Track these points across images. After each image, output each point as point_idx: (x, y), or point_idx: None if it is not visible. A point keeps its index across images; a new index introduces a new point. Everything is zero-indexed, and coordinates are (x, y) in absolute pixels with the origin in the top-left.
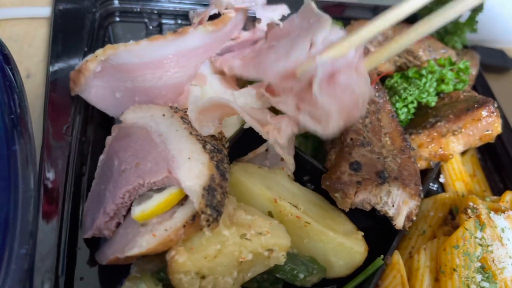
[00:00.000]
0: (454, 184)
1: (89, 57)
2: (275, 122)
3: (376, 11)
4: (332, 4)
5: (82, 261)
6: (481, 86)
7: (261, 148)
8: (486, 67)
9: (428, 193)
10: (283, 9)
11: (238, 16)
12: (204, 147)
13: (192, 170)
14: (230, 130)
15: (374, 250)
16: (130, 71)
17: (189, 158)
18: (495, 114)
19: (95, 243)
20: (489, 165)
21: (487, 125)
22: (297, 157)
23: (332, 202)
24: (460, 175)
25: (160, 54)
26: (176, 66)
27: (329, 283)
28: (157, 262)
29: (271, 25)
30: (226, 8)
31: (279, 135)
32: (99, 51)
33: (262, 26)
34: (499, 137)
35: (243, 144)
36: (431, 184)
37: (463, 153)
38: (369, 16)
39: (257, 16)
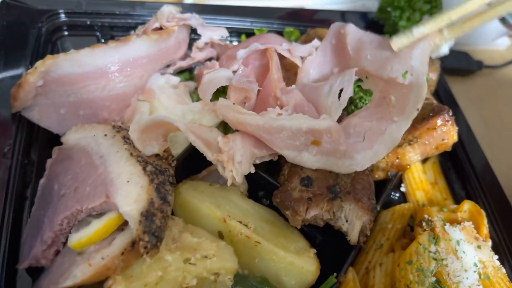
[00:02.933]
0: (414, 193)
1: (30, 70)
2: (227, 149)
3: (344, 16)
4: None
5: None
6: (443, 91)
7: (215, 166)
8: (450, 70)
9: (389, 203)
10: (223, 31)
11: (182, 31)
12: (144, 168)
13: (130, 194)
14: (180, 146)
15: (330, 266)
16: (73, 82)
17: (128, 181)
18: (450, 122)
19: (38, 272)
20: (451, 172)
21: (442, 134)
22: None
23: (286, 218)
24: (420, 184)
25: (103, 62)
26: (120, 75)
27: None
28: None
29: (224, 46)
30: (168, 21)
31: (235, 172)
32: (39, 63)
33: (200, 43)
34: (461, 143)
35: (197, 161)
36: (392, 193)
37: (424, 161)
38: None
39: (198, 32)
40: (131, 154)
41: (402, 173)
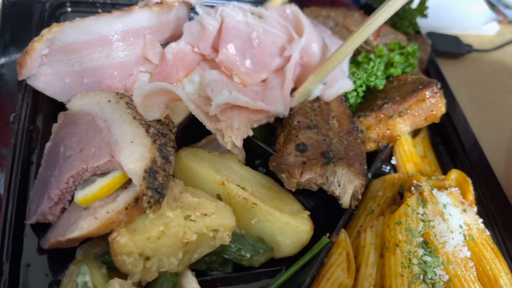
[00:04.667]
0: (405, 165)
1: (36, 37)
2: (225, 118)
3: None
4: None
5: (29, 248)
6: (433, 70)
7: (214, 135)
8: (441, 53)
9: (380, 175)
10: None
11: (182, 8)
12: (147, 130)
13: (134, 153)
14: (180, 116)
15: (323, 229)
16: (77, 50)
17: (131, 141)
18: (438, 94)
19: (44, 230)
20: (441, 147)
21: (431, 105)
22: (248, 141)
23: (282, 184)
24: (410, 157)
25: (107, 30)
26: (123, 44)
27: (278, 264)
28: (103, 246)
29: None
30: None
31: (235, 137)
32: (45, 30)
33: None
34: (449, 119)
35: (197, 130)
36: (383, 166)
37: (414, 135)
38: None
39: (196, 10)
40: (134, 117)
41: (393, 146)
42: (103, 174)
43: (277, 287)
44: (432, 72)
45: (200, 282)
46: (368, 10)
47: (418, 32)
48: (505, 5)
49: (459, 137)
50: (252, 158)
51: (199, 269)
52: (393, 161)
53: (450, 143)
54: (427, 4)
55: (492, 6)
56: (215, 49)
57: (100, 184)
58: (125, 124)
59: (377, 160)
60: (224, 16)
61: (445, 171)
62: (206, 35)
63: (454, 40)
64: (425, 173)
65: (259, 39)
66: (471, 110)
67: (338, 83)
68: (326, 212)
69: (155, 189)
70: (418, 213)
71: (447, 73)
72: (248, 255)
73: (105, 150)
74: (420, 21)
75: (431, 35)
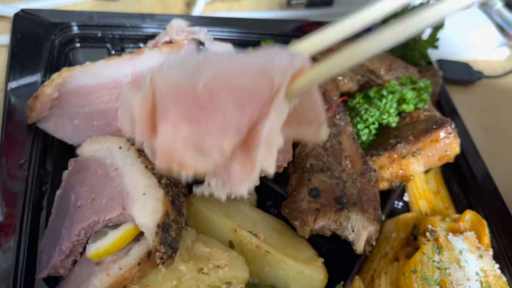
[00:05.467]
0: (417, 202)
1: (46, 82)
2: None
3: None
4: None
5: None
6: (444, 101)
7: None
8: (452, 81)
9: (393, 212)
10: (228, 47)
11: (191, 45)
12: (159, 181)
13: (147, 206)
14: None
15: (336, 274)
16: (87, 94)
17: (143, 193)
18: (452, 135)
19: (54, 282)
20: (453, 182)
21: (445, 146)
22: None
23: (294, 228)
24: (423, 194)
25: (117, 74)
26: (133, 86)
27: None
28: None
29: None
30: (177, 35)
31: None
32: (55, 75)
33: None
34: (462, 152)
35: None
36: (396, 202)
37: (427, 171)
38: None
39: (206, 46)
40: (146, 166)
41: (405, 184)
42: (115, 225)
43: None
44: (443, 103)
45: None
46: None
47: (429, 63)
48: None
49: (472, 171)
50: (264, 199)
51: None
52: (406, 198)
53: (463, 177)
54: (438, 34)
55: (502, 30)
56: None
57: (113, 238)
58: (137, 174)
59: (390, 201)
60: (155, 81)
61: (457, 207)
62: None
63: (465, 66)
64: (438, 210)
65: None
66: (482, 139)
67: None
68: (340, 257)
69: (168, 244)
70: (434, 261)
71: (457, 101)
72: None
73: (116, 202)
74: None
75: (441, 62)
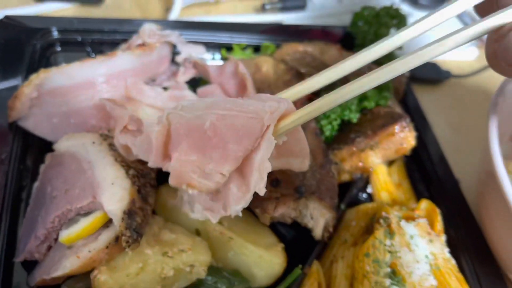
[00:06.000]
0: (379, 194)
1: (25, 83)
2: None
3: (322, 30)
4: (276, 25)
5: (19, 285)
6: (410, 99)
7: None
8: (421, 80)
9: (357, 203)
10: (201, 49)
11: (164, 48)
12: (127, 172)
13: (115, 195)
14: None
15: (297, 260)
16: (64, 93)
17: (112, 183)
18: (407, 129)
19: (32, 265)
20: (416, 175)
21: (400, 139)
22: None
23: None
24: (385, 186)
25: (91, 75)
26: (107, 86)
27: None
28: (86, 282)
29: (202, 66)
30: (149, 38)
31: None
32: (33, 76)
33: (178, 58)
34: (424, 146)
35: None
36: (360, 194)
37: (390, 164)
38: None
39: (178, 48)
40: (115, 159)
41: (368, 176)
42: (86, 213)
43: None
44: (409, 101)
45: None
46: (349, 39)
47: None
48: None
49: (434, 165)
50: None
51: None
52: (369, 190)
53: (424, 171)
54: None
55: None
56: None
57: (83, 224)
58: (107, 167)
59: (350, 192)
60: (171, 118)
61: (419, 198)
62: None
63: (433, 66)
64: (399, 201)
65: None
66: (449, 135)
67: None
68: (301, 243)
69: (133, 229)
70: (385, 245)
71: (426, 100)
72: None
73: (88, 192)
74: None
75: None
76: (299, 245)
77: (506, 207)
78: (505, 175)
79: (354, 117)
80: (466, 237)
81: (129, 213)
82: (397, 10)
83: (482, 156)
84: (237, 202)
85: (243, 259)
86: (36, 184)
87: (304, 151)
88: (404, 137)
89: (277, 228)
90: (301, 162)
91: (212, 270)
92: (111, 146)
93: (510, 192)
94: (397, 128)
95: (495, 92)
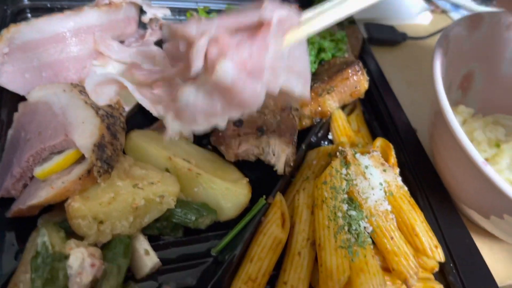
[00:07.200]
0: (339, 138)
1: None
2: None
3: None
4: None
5: None
6: (367, 56)
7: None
8: (378, 41)
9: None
10: (166, 11)
11: (131, 8)
12: (97, 112)
13: (85, 131)
14: (132, 103)
15: (262, 195)
16: (34, 47)
17: (83, 122)
18: (360, 72)
19: (9, 204)
20: (375, 124)
21: (354, 82)
22: None
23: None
24: (344, 131)
25: (59, 28)
26: (75, 39)
27: (223, 228)
28: (62, 216)
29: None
30: None
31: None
32: (3, 30)
33: (145, 19)
34: (382, 99)
35: (149, 115)
36: (322, 141)
37: (350, 113)
38: None
39: (144, 9)
40: (86, 102)
41: (330, 123)
42: (60, 152)
43: (223, 245)
44: (366, 58)
45: (154, 247)
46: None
47: (351, 22)
48: None
49: (390, 113)
50: (200, 138)
51: (152, 234)
52: (330, 136)
53: (382, 119)
54: None
55: None
56: None
57: (56, 160)
58: (78, 109)
59: (311, 133)
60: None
61: None
62: None
63: (390, 29)
64: (357, 144)
65: None
66: (406, 91)
67: None
68: (266, 182)
69: (104, 161)
70: (341, 174)
71: (383, 60)
72: (194, 218)
73: (60, 131)
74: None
75: (367, 25)
76: (264, 183)
77: (451, 138)
78: (447, 106)
79: (313, 67)
80: (421, 175)
81: (99, 146)
82: None
83: (431, 100)
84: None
85: (211, 192)
86: (10, 131)
87: (306, 72)
88: (357, 80)
89: (243, 171)
90: (303, 86)
91: (182, 203)
92: (81, 92)
93: (454, 121)
94: (350, 71)
95: (440, 35)
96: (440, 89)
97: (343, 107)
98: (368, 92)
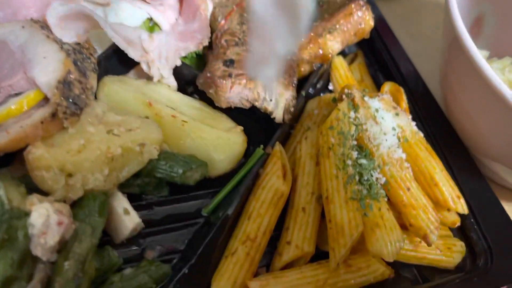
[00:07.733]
0: (341, 86)
1: None
2: (153, 48)
3: None
4: None
5: None
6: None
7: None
8: None
9: None
10: None
11: None
12: (61, 47)
13: (48, 67)
14: (106, 45)
15: (258, 143)
16: None
17: (44, 57)
18: (364, 7)
19: None
20: (378, 74)
21: (358, 19)
22: (178, 69)
23: (216, 107)
24: (346, 80)
25: None
26: None
27: (214, 185)
28: (24, 170)
29: None
30: None
31: (162, 67)
32: None
33: None
34: (386, 48)
35: (126, 60)
36: (322, 92)
37: (351, 63)
38: None
39: None
40: (47, 36)
41: (330, 72)
42: (18, 95)
43: (216, 204)
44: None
45: (135, 207)
46: None
47: None
48: None
49: (395, 62)
50: (185, 86)
51: (132, 193)
52: (331, 87)
53: (387, 69)
54: None
55: None
56: None
57: (13, 102)
58: (39, 44)
59: (311, 78)
60: None
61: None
62: None
63: None
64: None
65: None
66: (408, 42)
67: None
68: (263, 133)
69: (70, 100)
70: (349, 117)
71: (385, 12)
72: (181, 171)
73: (17, 69)
74: None
75: None
76: (261, 135)
77: (471, 72)
78: (465, 32)
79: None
80: (434, 126)
81: (64, 83)
82: None
83: (444, 33)
84: None
85: (201, 143)
86: None
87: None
88: (362, 16)
89: (235, 121)
90: None
91: (166, 154)
92: (43, 27)
93: (473, 48)
94: (354, 6)
95: None
96: (455, 13)
97: (344, 56)
98: (369, 42)
